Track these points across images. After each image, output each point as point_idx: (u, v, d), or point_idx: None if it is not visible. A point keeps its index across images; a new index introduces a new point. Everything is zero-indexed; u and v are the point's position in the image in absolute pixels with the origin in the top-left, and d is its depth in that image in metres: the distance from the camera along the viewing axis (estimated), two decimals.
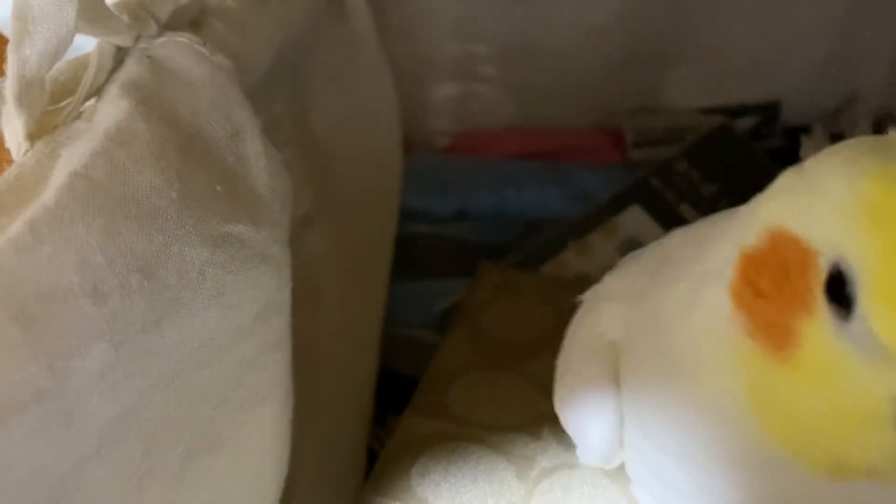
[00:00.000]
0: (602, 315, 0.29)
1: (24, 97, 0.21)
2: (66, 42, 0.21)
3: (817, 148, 0.27)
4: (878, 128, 0.51)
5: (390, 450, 0.35)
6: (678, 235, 0.29)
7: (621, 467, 0.33)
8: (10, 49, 0.20)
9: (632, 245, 0.47)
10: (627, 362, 0.27)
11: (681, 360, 0.24)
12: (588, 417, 0.28)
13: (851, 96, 0.51)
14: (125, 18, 0.23)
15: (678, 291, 0.25)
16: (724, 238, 0.24)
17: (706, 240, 0.25)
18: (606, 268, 0.48)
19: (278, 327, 0.26)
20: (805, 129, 0.52)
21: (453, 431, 0.35)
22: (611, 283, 0.30)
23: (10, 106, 0.21)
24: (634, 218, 0.47)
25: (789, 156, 0.50)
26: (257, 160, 0.24)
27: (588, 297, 0.30)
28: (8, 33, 0.20)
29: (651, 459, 0.27)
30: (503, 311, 0.40)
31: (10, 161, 0.22)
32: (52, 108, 0.22)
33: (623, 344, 0.27)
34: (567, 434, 0.34)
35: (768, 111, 0.52)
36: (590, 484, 0.33)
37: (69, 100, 0.23)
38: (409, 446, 0.35)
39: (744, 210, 0.24)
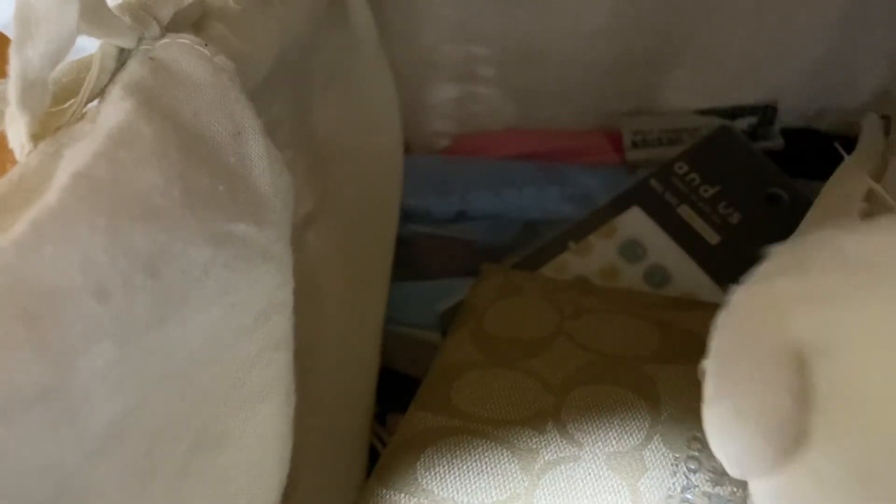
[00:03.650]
0: (790, 320, 0.24)
1: (27, 98, 0.21)
2: (68, 43, 0.21)
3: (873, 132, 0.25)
4: None
5: (396, 444, 0.35)
6: (866, 233, 0.25)
7: (627, 457, 0.33)
8: (12, 50, 0.20)
9: (632, 246, 0.47)
10: (836, 378, 0.23)
11: None
12: (751, 431, 0.24)
13: (849, 97, 0.51)
14: (127, 20, 0.23)
15: None
16: None
17: None
18: (606, 269, 0.48)
19: (280, 326, 0.26)
20: (806, 129, 0.52)
21: (458, 426, 0.35)
22: (788, 284, 0.25)
23: (13, 107, 0.21)
24: (634, 219, 0.48)
25: (787, 156, 0.51)
26: (259, 160, 0.24)
27: (743, 296, 0.26)
28: (10, 34, 0.21)
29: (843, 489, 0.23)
30: (506, 311, 0.41)
31: (14, 162, 0.22)
32: (54, 109, 0.22)
33: (827, 357, 0.23)
34: (570, 427, 0.34)
35: (765, 112, 0.52)
36: (593, 476, 0.33)
37: (72, 101, 0.23)
38: (415, 440, 0.35)
39: None
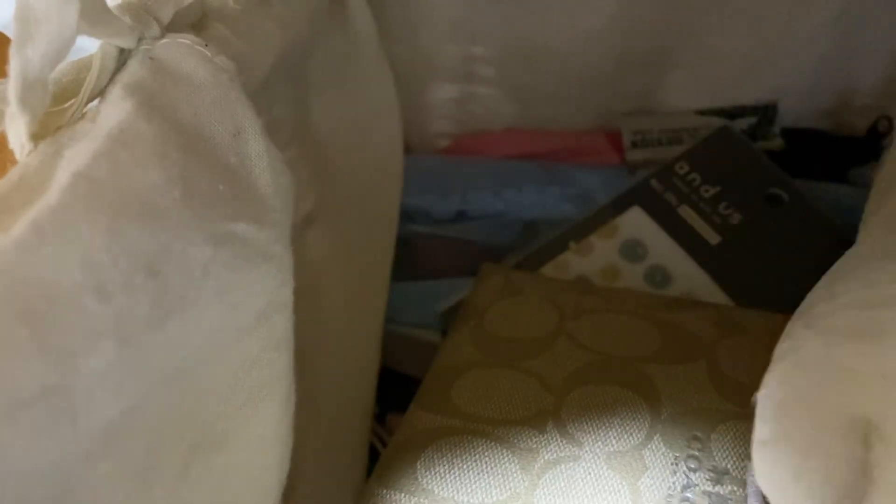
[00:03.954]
0: (864, 396, 0.24)
1: (27, 98, 0.21)
2: (68, 43, 0.21)
3: None
4: (875, 129, 0.51)
5: (396, 443, 0.35)
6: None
7: (627, 457, 0.33)
8: (12, 50, 0.20)
9: (632, 246, 0.47)
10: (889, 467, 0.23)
11: None
12: (807, 493, 0.24)
13: (849, 97, 0.51)
14: (127, 20, 0.23)
15: None
16: None
17: None
18: (607, 269, 0.48)
19: (280, 325, 0.26)
20: (806, 129, 0.52)
21: (458, 426, 0.35)
22: (863, 353, 0.25)
23: (13, 107, 0.21)
24: (635, 219, 0.48)
25: (787, 156, 0.51)
26: (259, 160, 0.24)
27: (813, 353, 0.25)
28: (10, 34, 0.21)
29: None
30: (506, 311, 0.41)
31: (14, 162, 0.22)
32: (55, 109, 0.22)
33: (886, 434, 0.23)
34: (570, 427, 0.34)
35: (765, 112, 0.52)
36: (593, 475, 0.33)
37: (72, 101, 0.23)
38: (415, 440, 0.35)
39: None
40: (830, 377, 0.25)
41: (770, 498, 0.25)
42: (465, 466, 0.34)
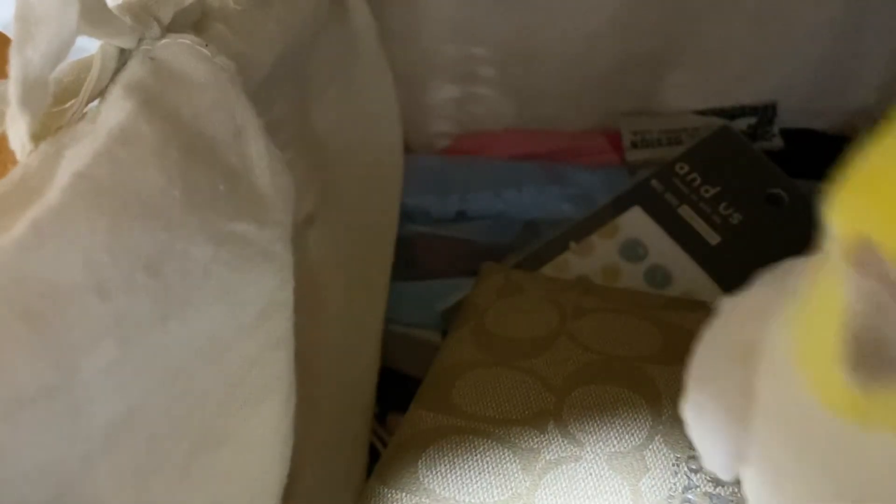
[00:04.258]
0: (743, 324, 0.27)
1: (28, 98, 0.21)
2: (68, 43, 0.21)
3: None
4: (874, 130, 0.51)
5: (397, 443, 0.35)
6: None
7: (629, 457, 0.33)
8: (13, 50, 0.20)
9: (633, 246, 0.47)
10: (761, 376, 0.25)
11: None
12: (713, 428, 0.26)
13: (849, 97, 0.51)
14: (128, 20, 0.23)
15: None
16: None
17: None
18: (607, 269, 0.48)
19: (281, 325, 0.26)
20: (806, 129, 0.52)
21: (459, 425, 0.35)
22: (752, 295, 0.28)
23: (14, 107, 0.21)
24: (635, 219, 0.48)
25: (787, 156, 0.51)
26: (260, 160, 0.24)
27: (727, 306, 0.28)
28: (11, 34, 0.21)
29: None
30: (506, 310, 0.41)
31: (15, 162, 0.22)
32: (55, 110, 0.22)
33: (760, 356, 0.26)
34: (571, 427, 0.34)
35: (765, 112, 0.52)
36: (594, 476, 0.33)
37: (72, 101, 0.23)
38: (416, 439, 0.35)
39: None
40: (728, 319, 0.28)
41: (696, 447, 0.27)
42: (466, 466, 0.33)
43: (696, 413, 0.27)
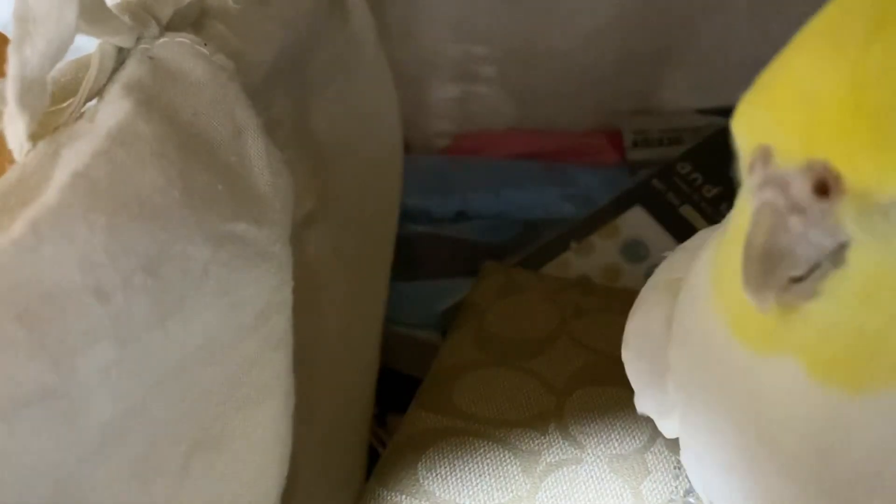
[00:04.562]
0: (673, 262, 0.28)
1: (26, 98, 0.21)
2: (66, 43, 0.21)
3: None
4: None
5: (396, 444, 0.35)
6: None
7: (630, 460, 0.33)
8: (11, 49, 0.20)
9: (633, 246, 0.47)
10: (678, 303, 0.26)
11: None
12: (641, 359, 0.27)
13: None
14: (126, 19, 0.23)
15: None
16: None
17: None
18: (608, 269, 0.48)
19: (280, 326, 0.26)
20: None
21: (459, 426, 0.35)
22: (693, 238, 0.30)
23: (12, 106, 0.21)
24: (636, 219, 0.47)
25: None
26: (259, 159, 0.24)
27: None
28: (9, 34, 0.20)
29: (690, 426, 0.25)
30: (507, 310, 0.41)
31: (13, 161, 0.22)
32: (53, 109, 0.22)
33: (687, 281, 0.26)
34: (572, 429, 0.34)
35: None
36: (596, 479, 0.33)
37: (71, 100, 0.23)
38: (415, 441, 0.35)
39: None
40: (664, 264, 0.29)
41: (633, 385, 0.27)
42: (466, 468, 0.33)
43: (628, 350, 0.27)
